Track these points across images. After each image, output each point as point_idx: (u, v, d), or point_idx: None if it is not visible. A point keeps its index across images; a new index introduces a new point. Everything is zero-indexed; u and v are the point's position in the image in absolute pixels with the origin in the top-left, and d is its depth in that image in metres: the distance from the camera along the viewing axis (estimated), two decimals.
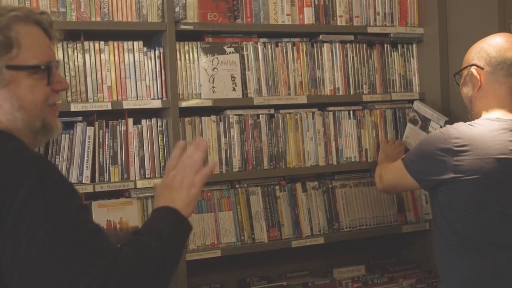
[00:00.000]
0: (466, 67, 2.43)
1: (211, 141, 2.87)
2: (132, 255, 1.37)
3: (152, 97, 2.78)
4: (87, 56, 2.69)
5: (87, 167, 2.66)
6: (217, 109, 2.96)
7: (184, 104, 2.80)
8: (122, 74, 2.74)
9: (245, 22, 2.95)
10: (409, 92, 3.26)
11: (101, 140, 2.70)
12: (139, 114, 2.79)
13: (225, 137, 2.90)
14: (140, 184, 2.72)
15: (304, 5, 3.05)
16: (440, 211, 2.35)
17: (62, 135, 2.64)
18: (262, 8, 2.98)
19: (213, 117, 2.89)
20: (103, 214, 2.70)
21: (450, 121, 2.79)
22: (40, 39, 1.50)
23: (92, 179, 2.68)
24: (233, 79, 2.91)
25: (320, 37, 3.06)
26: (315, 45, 3.08)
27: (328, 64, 3.09)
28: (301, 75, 3.04)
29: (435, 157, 2.29)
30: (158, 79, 2.79)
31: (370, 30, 3.16)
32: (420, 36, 3.26)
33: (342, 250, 3.29)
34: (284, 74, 3.01)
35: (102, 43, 2.72)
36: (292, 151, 3.01)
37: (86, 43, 2.69)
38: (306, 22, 3.05)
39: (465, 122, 2.35)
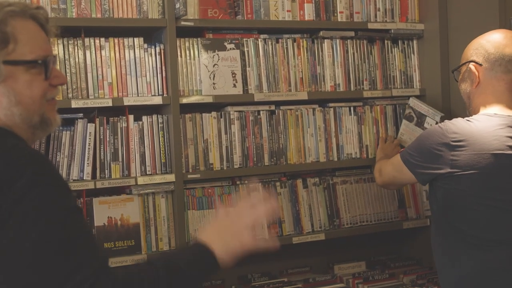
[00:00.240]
0: (465, 63, 2.44)
1: (212, 137, 2.87)
2: (134, 273, 1.38)
3: (152, 93, 2.78)
4: (87, 52, 2.69)
5: (88, 163, 2.66)
6: (217, 106, 2.95)
7: (184, 100, 2.80)
8: (122, 70, 2.74)
9: (245, 18, 2.95)
10: (410, 88, 3.26)
11: (102, 137, 2.70)
12: (139, 111, 2.79)
13: (225, 133, 2.90)
14: (141, 180, 2.72)
15: (305, 1, 3.04)
16: (437, 206, 2.36)
17: (63, 132, 2.64)
18: (262, 4, 2.97)
19: (213, 114, 2.89)
20: (104, 211, 2.70)
21: (451, 117, 2.78)
22: (37, 33, 1.49)
23: (93, 176, 2.68)
24: (233, 75, 2.91)
25: (321, 33, 3.06)
26: (315, 41, 3.08)
27: (328, 60, 3.09)
28: (302, 71, 3.04)
29: (432, 151, 2.30)
30: (159, 75, 2.79)
31: (370, 26, 3.16)
32: (420, 32, 3.26)
33: (343, 246, 3.29)
34: (284, 70, 3.01)
35: (102, 39, 2.72)
36: (293, 148, 3.01)
37: (86, 39, 2.69)
38: (306, 18, 3.05)
39: (464, 118, 2.36)
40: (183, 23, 2.79)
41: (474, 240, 2.26)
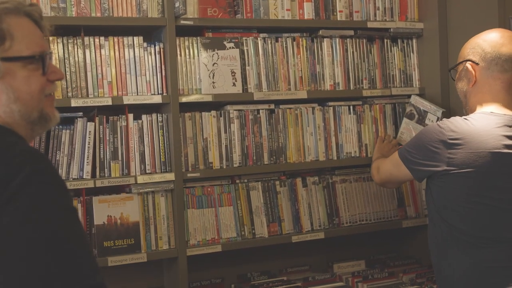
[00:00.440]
0: (461, 62, 2.44)
1: (211, 136, 2.87)
2: None
3: (152, 92, 2.78)
4: (87, 51, 2.69)
5: (87, 162, 2.67)
6: (217, 104, 2.96)
7: (184, 99, 2.80)
8: (122, 69, 2.74)
9: (245, 17, 2.95)
10: (409, 87, 3.26)
11: (101, 136, 2.70)
12: (139, 110, 2.79)
13: (225, 132, 2.90)
14: (141, 179, 2.73)
15: (304, 0, 3.04)
16: (433, 204, 2.37)
17: (63, 131, 2.64)
18: (262, 3, 2.98)
19: (213, 113, 2.89)
20: (103, 210, 2.70)
21: (450, 115, 2.79)
22: (32, 30, 1.49)
23: (93, 175, 2.69)
24: (233, 74, 2.91)
25: (320, 32, 3.06)
26: (315, 40, 3.08)
27: (328, 59, 3.09)
28: (301, 70, 3.04)
29: (429, 148, 2.32)
30: (158, 74, 2.79)
31: (370, 25, 3.16)
32: (420, 31, 3.26)
33: (342, 245, 3.30)
34: (284, 69, 3.01)
35: (102, 38, 2.72)
36: (292, 146, 3.02)
37: (86, 38, 2.69)
38: (306, 17, 3.05)
39: (462, 116, 2.37)
40: (182, 22, 2.79)
41: (470, 238, 2.27)
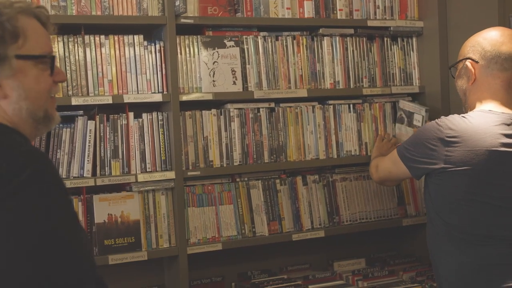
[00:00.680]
0: (461, 60, 2.45)
1: (212, 134, 2.87)
2: None
3: (152, 91, 2.78)
4: (87, 50, 2.69)
5: (88, 161, 2.67)
6: (217, 103, 2.96)
7: (184, 98, 2.80)
8: (122, 68, 2.74)
9: (245, 15, 2.95)
10: (409, 86, 3.26)
11: (102, 134, 2.70)
12: (139, 108, 2.80)
13: (225, 130, 2.90)
14: (141, 177, 2.73)
15: None
16: (431, 202, 2.38)
17: (63, 129, 2.64)
18: (262, 2, 2.98)
19: (213, 111, 2.89)
20: (104, 208, 2.70)
21: (449, 114, 2.79)
22: (41, 31, 1.52)
23: (93, 173, 2.69)
24: (233, 72, 2.92)
25: (320, 30, 3.07)
26: (315, 38, 3.09)
27: (328, 57, 3.10)
28: (301, 69, 3.05)
29: (427, 145, 2.32)
30: (159, 73, 2.79)
31: (370, 23, 3.16)
32: (420, 30, 3.26)
33: (343, 243, 3.30)
34: (284, 67, 3.01)
35: (102, 37, 2.72)
36: (293, 145, 3.02)
37: (86, 37, 2.69)
38: (306, 15, 3.05)
39: (460, 114, 2.37)
40: (183, 20, 2.79)
41: (467, 236, 2.27)
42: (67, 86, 2.65)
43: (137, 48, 2.77)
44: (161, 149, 2.79)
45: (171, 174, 2.77)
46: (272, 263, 3.19)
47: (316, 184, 3.09)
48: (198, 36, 2.87)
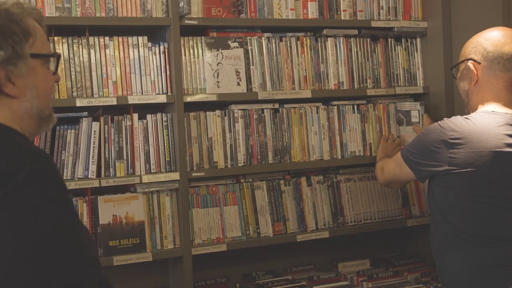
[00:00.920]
0: (463, 61, 2.44)
1: (216, 135, 2.88)
2: None
3: (157, 92, 2.78)
4: (92, 51, 2.70)
5: (92, 162, 2.67)
6: (221, 104, 2.96)
7: (189, 99, 2.81)
8: (127, 69, 2.75)
9: (249, 16, 2.96)
10: (413, 86, 3.26)
11: (106, 135, 2.70)
12: (144, 109, 2.80)
13: (230, 131, 2.90)
14: (146, 178, 2.73)
15: None
16: (435, 203, 2.37)
17: (68, 131, 2.65)
18: (266, 3, 2.98)
19: (218, 112, 2.89)
20: (109, 209, 2.71)
21: (453, 115, 2.79)
22: (41, 31, 1.55)
23: (98, 174, 2.69)
24: (237, 73, 2.92)
25: (324, 31, 3.07)
26: (319, 39, 3.09)
27: (332, 58, 3.10)
28: (306, 70, 3.05)
29: (431, 148, 2.32)
30: (163, 74, 2.79)
31: (374, 24, 3.16)
32: (424, 30, 3.26)
33: (347, 244, 3.30)
34: (288, 68, 3.01)
35: (107, 38, 2.72)
36: (297, 146, 3.02)
37: (91, 38, 2.70)
38: (310, 16, 3.05)
39: (463, 116, 2.37)
40: (187, 21, 2.80)
41: (471, 237, 2.27)
42: (72, 87, 2.66)
43: (141, 50, 2.77)
44: (166, 150, 2.79)
45: (175, 175, 2.77)
46: (277, 264, 3.19)
47: (321, 185, 3.09)
48: (202, 37, 2.87)
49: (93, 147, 2.68)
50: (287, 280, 3.05)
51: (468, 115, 2.37)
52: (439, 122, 2.37)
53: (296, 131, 3.02)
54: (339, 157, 3.10)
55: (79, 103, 2.63)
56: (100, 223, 2.69)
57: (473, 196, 2.25)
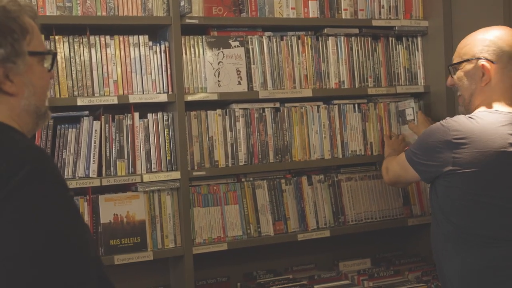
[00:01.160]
0: (469, 60, 2.39)
1: (217, 134, 2.88)
2: None
3: (158, 91, 2.78)
4: (93, 50, 2.70)
5: (93, 161, 2.67)
6: (222, 103, 2.96)
7: (190, 98, 2.81)
8: (128, 68, 2.75)
9: (250, 15, 2.96)
10: (414, 85, 3.26)
11: (107, 134, 2.70)
12: (145, 108, 2.80)
13: (230, 130, 2.90)
14: (147, 178, 2.73)
15: None
16: (437, 203, 2.35)
17: (69, 130, 2.65)
18: (267, 2, 2.98)
19: (218, 111, 2.89)
20: (110, 208, 2.71)
21: (454, 114, 2.79)
22: (36, 29, 1.54)
23: (99, 173, 2.69)
24: (238, 72, 2.92)
25: (325, 30, 3.07)
26: (320, 38, 3.09)
27: (333, 57, 3.09)
28: (306, 69, 3.05)
29: (434, 149, 2.30)
30: (164, 73, 2.79)
31: (375, 23, 3.16)
32: (425, 29, 3.26)
33: (348, 243, 3.30)
34: (289, 67, 3.01)
35: (108, 37, 2.72)
36: (298, 145, 3.02)
37: (92, 37, 2.70)
38: (311, 15, 3.05)
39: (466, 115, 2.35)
40: (187, 20, 2.80)
41: (473, 237, 2.25)
42: (73, 86, 2.66)
43: (142, 49, 2.77)
44: (167, 149, 2.79)
45: (176, 174, 2.77)
46: (278, 263, 3.19)
47: (322, 184, 3.09)
48: (203, 36, 2.87)
49: (94, 146, 2.68)
50: (288, 279, 3.05)
51: (472, 114, 2.33)
52: (441, 121, 2.35)
53: (297, 130, 3.02)
54: (340, 156, 3.10)
55: (80, 102, 2.63)
56: (101, 222, 2.69)
57: (476, 196, 2.24)
